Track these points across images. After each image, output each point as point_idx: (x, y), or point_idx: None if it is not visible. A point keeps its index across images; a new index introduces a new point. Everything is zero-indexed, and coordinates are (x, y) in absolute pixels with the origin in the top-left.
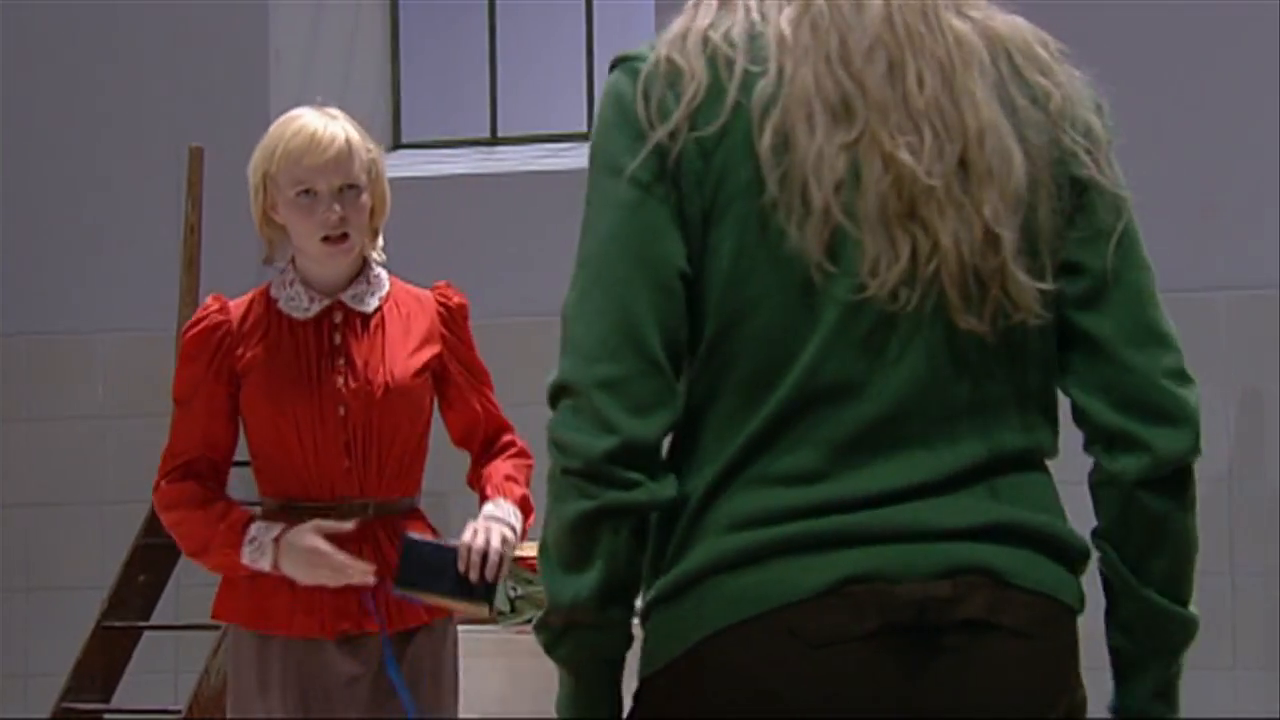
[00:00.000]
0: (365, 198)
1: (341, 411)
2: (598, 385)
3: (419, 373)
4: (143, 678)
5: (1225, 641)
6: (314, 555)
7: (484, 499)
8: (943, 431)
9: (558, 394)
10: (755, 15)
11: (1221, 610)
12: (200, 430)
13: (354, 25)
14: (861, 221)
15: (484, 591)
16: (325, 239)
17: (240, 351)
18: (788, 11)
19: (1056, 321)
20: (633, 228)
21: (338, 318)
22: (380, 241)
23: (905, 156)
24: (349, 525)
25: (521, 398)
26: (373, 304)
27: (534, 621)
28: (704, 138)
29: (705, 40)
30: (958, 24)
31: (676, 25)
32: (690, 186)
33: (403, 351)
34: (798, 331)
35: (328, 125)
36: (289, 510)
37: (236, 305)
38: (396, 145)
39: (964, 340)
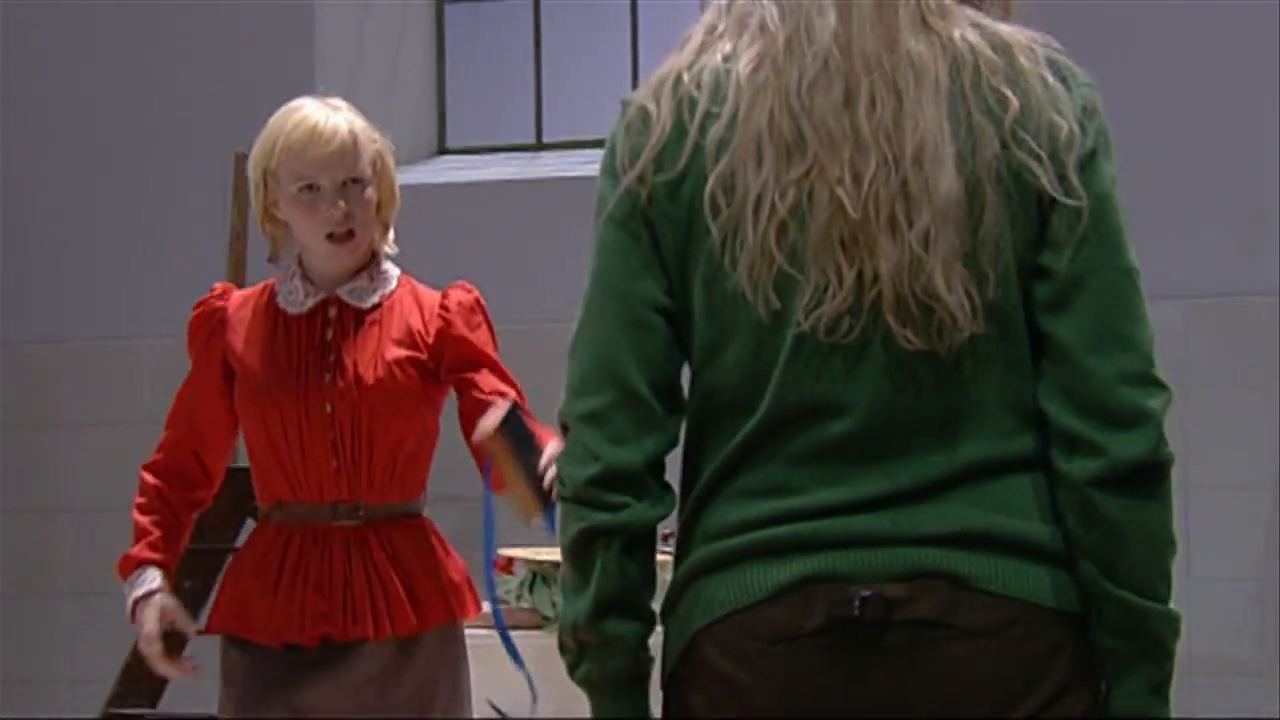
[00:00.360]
0: (371, 192)
1: (328, 409)
2: (581, 419)
3: (410, 372)
4: (189, 683)
5: (1273, 649)
6: (142, 640)
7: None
8: (908, 445)
9: (560, 430)
10: (728, 53)
11: (1274, 615)
12: (186, 415)
13: (399, 31)
14: (803, 256)
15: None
16: (330, 236)
17: (231, 341)
18: (754, 48)
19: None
20: (612, 268)
21: (332, 312)
22: (391, 236)
23: (845, 188)
24: (192, 629)
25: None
26: (371, 300)
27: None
28: (669, 180)
29: (677, 82)
30: (916, 44)
31: (663, 65)
32: (664, 226)
33: (395, 348)
34: (763, 361)
35: (330, 117)
36: (280, 513)
37: (240, 295)
38: (441, 151)
39: (916, 359)
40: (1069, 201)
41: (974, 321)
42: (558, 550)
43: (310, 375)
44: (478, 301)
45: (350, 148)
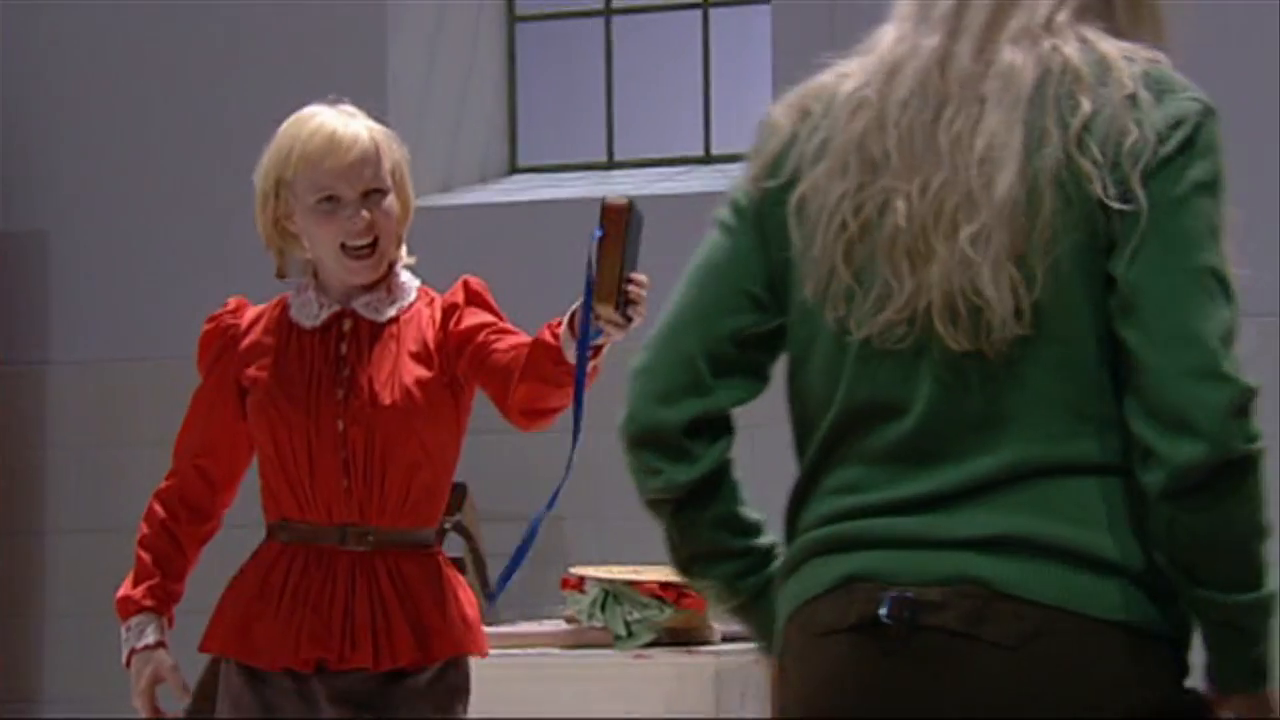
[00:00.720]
0: (392, 201)
1: (340, 426)
2: (633, 372)
3: (428, 392)
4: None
5: None
6: (135, 696)
7: (549, 336)
8: (957, 446)
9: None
10: (845, 72)
11: None
12: (198, 433)
13: (471, 50)
14: (868, 266)
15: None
16: (345, 248)
17: (243, 358)
18: (865, 67)
19: (1109, 333)
20: (709, 247)
21: (346, 326)
22: (404, 249)
23: (913, 200)
24: (184, 695)
25: None
26: (388, 313)
27: None
28: (778, 187)
29: (802, 96)
30: (1012, 57)
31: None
32: (772, 231)
33: (413, 365)
34: (835, 365)
35: (348, 124)
36: (286, 532)
37: (254, 310)
38: (513, 170)
39: (966, 359)
40: (1125, 207)
41: (1022, 323)
42: (629, 569)
43: (323, 390)
44: (465, 286)
45: (372, 156)
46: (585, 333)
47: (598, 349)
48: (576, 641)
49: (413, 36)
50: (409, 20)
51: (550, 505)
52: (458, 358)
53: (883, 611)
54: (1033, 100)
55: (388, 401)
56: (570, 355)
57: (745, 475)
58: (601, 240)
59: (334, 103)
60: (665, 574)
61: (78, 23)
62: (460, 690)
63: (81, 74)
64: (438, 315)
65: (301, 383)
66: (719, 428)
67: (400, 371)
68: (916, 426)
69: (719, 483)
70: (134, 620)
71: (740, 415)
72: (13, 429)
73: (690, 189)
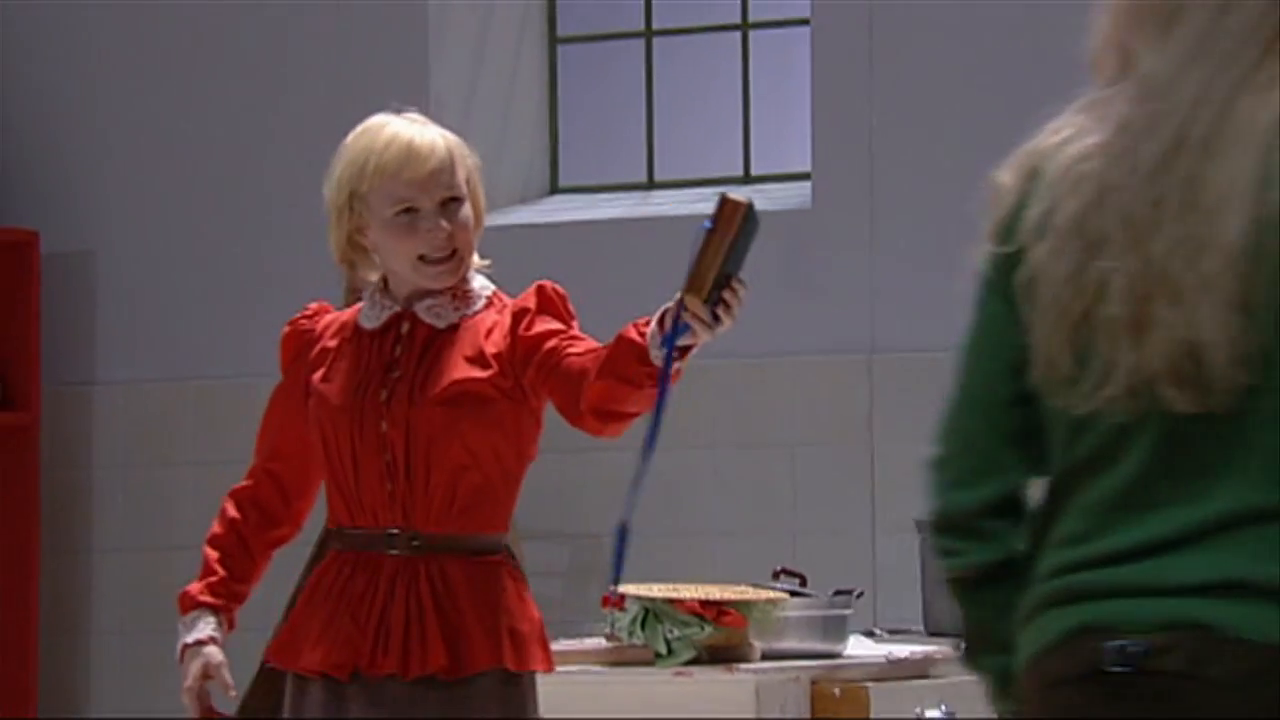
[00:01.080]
0: (468, 210)
1: (383, 428)
2: (929, 464)
3: (478, 394)
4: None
5: None
6: (184, 691)
7: (634, 334)
8: (1176, 494)
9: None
10: (1068, 137)
11: None
12: (270, 437)
13: (513, 72)
14: (1086, 348)
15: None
16: (423, 259)
17: (313, 362)
18: (1092, 136)
19: None
20: (975, 322)
21: (404, 329)
22: (476, 256)
23: (1130, 277)
24: (231, 691)
25: (671, 442)
26: (449, 319)
27: None
28: (1011, 254)
29: (1029, 157)
30: (1250, 107)
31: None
32: (1014, 295)
33: (465, 367)
34: (1066, 417)
35: (423, 133)
36: (339, 540)
37: (332, 315)
38: (554, 190)
39: (1189, 410)
40: None
41: (1246, 371)
42: (669, 587)
43: (368, 392)
44: (539, 291)
45: (448, 164)
46: (675, 327)
47: (685, 350)
48: (617, 659)
49: (455, 58)
50: (451, 42)
51: (628, 514)
52: (525, 366)
53: (1109, 659)
54: (1265, 145)
55: (426, 402)
56: (656, 356)
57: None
58: (709, 232)
59: (399, 111)
60: (705, 592)
61: (123, 46)
62: (520, 712)
63: (127, 96)
64: (506, 320)
65: (349, 385)
66: (1015, 508)
67: (447, 373)
68: (1135, 476)
69: (1015, 567)
70: (190, 615)
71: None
72: (59, 449)
73: None
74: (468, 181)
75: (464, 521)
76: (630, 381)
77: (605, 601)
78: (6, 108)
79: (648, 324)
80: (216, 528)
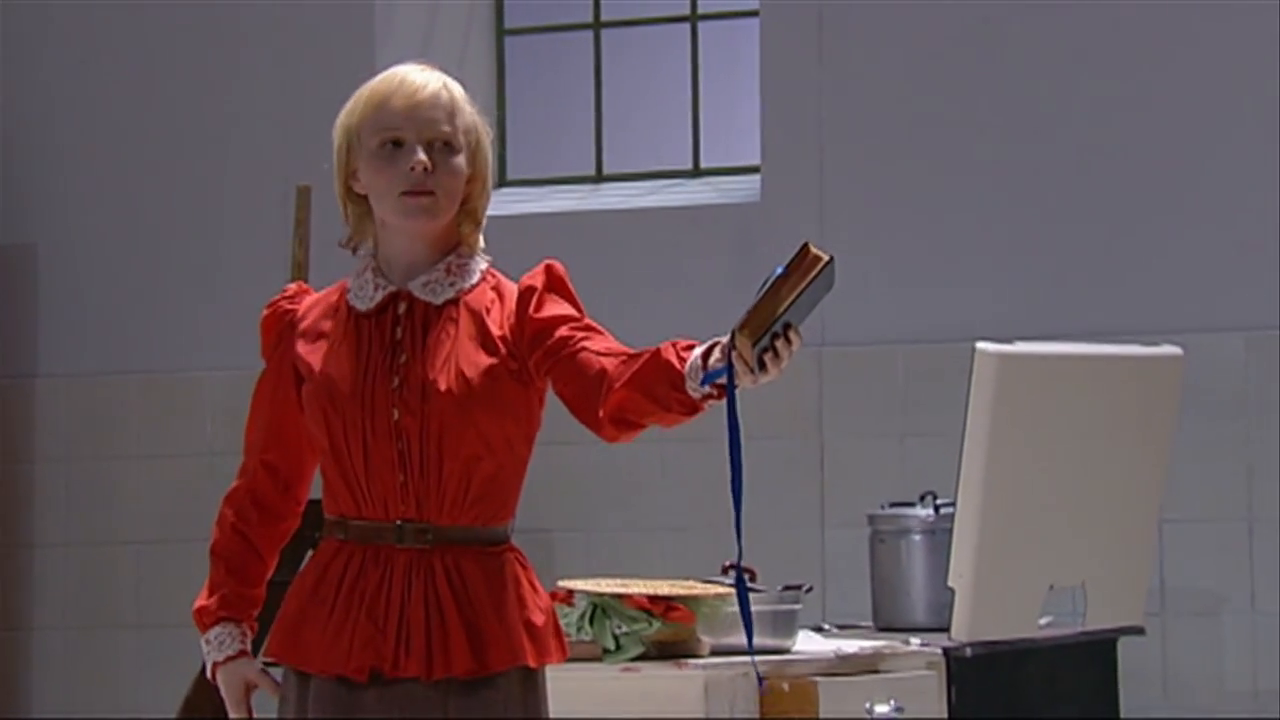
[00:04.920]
0: (461, 162)
1: (395, 416)
2: None
3: (488, 379)
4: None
5: None
6: (231, 710)
7: (672, 356)
8: None
9: None
10: None
11: None
12: (262, 425)
13: (460, 65)
14: None
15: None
16: (405, 194)
17: (300, 344)
18: None
19: None
20: None
21: (401, 308)
22: (481, 238)
23: None
24: (278, 693)
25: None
26: (445, 295)
27: None
28: None
29: None
30: None
31: None
32: None
33: (472, 352)
34: None
35: (423, 73)
36: (343, 530)
37: (313, 296)
38: (502, 183)
39: None
40: None
41: None
42: (617, 582)
43: (377, 378)
44: (548, 271)
45: (444, 105)
46: (725, 366)
47: (723, 389)
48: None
49: (403, 49)
50: (397, 33)
51: (739, 559)
52: (533, 348)
53: None
54: None
55: (443, 389)
56: (692, 387)
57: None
58: (780, 278)
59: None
60: (653, 587)
61: (70, 40)
62: (537, 707)
63: (71, 90)
64: (510, 299)
65: (355, 371)
66: None
67: (457, 357)
68: None
69: None
70: (213, 632)
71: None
72: (2, 442)
73: (679, 202)
74: (468, 137)
75: (476, 512)
76: (658, 401)
77: (554, 597)
78: None
79: (689, 348)
80: (217, 534)
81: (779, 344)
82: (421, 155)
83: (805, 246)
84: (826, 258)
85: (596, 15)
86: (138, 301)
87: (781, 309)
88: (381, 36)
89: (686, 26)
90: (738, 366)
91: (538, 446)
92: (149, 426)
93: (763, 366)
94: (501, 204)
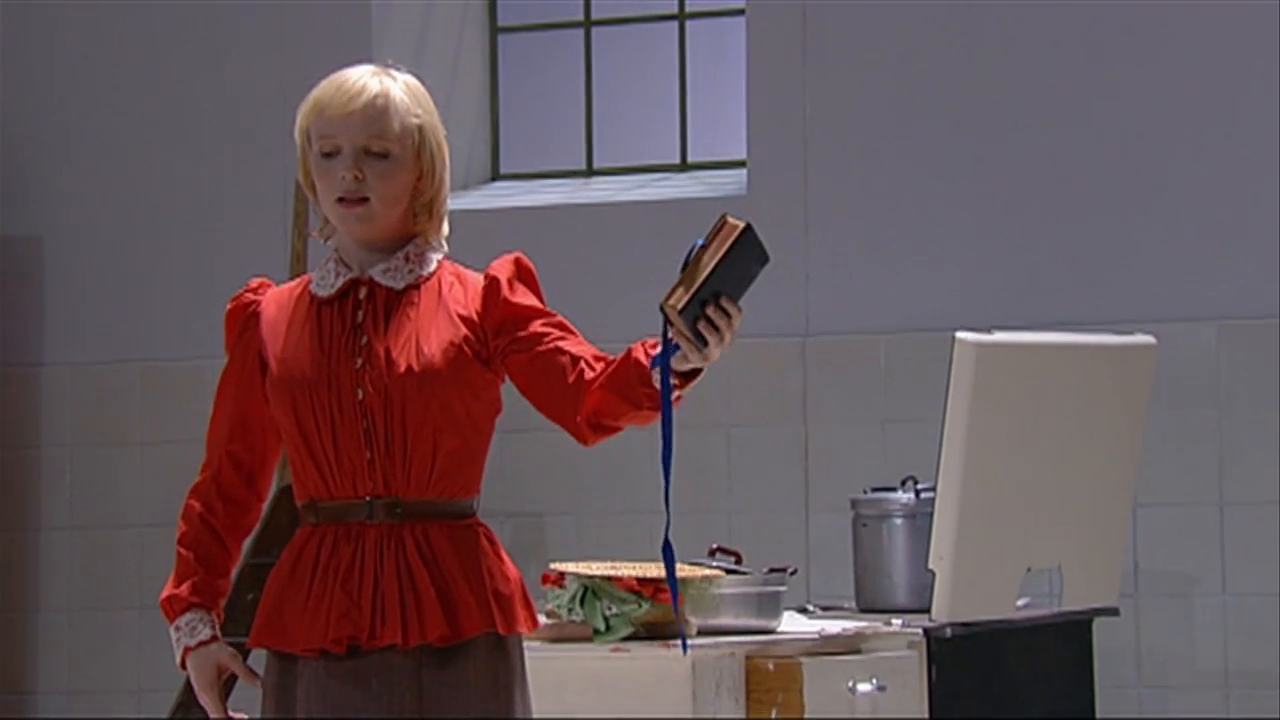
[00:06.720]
0: (394, 166)
1: (360, 396)
2: None
3: (449, 356)
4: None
5: None
6: (200, 693)
7: (640, 354)
8: None
9: None
10: None
11: None
12: (226, 417)
13: (454, 61)
14: None
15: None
16: (340, 200)
17: (264, 335)
18: None
19: None
20: None
21: (362, 294)
22: (445, 229)
23: None
24: (255, 681)
25: None
26: (405, 280)
27: None
28: None
29: None
30: None
31: None
32: None
33: (433, 331)
34: None
35: (362, 77)
36: (315, 513)
37: (277, 289)
38: (495, 177)
39: None
40: None
41: None
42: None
43: (340, 360)
44: (518, 262)
45: (379, 111)
46: (664, 345)
47: (686, 378)
48: (557, 635)
49: (396, 46)
50: (393, 30)
51: (667, 547)
52: (500, 334)
53: None
54: None
55: (404, 367)
56: (655, 376)
57: (725, 476)
58: (700, 247)
59: (385, 64)
60: (642, 569)
61: (73, 31)
62: (512, 673)
63: (76, 81)
64: (473, 284)
65: (319, 354)
66: None
67: (418, 336)
68: None
69: None
70: (183, 619)
71: (723, 413)
72: (8, 429)
73: (667, 196)
74: (408, 140)
75: (444, 485)
76: (629, 400)
77: (545, 579)
78: None
79: (654, 344)
80: (184, 526)
81: (713, 313)
82: (351, 164)
83: (723, 217)
84: (742, 225)
85: (587, 13)
86: (140, 292)
87: (702, 276)
88: (378, 34)
89: (674, 24)
90: (682, 345)
91: (528, 432)
92: (151, 413)
93: (700, 338)
94: (494, 198)
